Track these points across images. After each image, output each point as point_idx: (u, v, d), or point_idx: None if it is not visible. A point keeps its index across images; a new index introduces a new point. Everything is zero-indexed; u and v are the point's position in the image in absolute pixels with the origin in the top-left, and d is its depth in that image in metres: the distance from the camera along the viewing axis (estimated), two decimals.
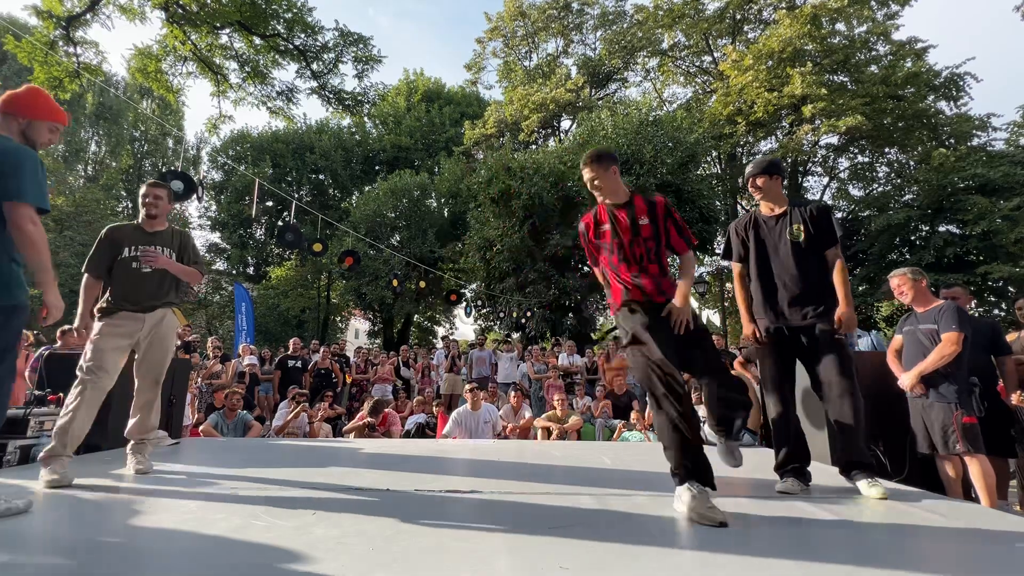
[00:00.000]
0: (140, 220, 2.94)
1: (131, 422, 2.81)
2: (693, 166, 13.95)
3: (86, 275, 2.80)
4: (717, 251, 18.45)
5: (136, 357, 2.83)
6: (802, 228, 2.49)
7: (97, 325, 2.70)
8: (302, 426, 5.75)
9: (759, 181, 2.63)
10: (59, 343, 5.63)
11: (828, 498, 2.27)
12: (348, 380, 8.70)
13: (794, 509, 2.08)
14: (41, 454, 2.37)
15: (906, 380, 3.05)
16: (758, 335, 2.62)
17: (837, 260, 2.49)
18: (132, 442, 2.80)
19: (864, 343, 5.84)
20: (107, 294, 2.79)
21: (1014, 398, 3.27)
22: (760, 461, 3.33)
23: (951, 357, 2.87)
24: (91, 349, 2.64)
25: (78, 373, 2.59)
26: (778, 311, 2.53)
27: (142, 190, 2.96)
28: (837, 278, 2.46)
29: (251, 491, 2.28)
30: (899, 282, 3.18)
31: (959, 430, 2.83)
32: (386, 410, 5.88)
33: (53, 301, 2.01)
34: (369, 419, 5.51)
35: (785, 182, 2.75)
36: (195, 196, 6.37)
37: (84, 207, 20.34)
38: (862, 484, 2.31)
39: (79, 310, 2.72)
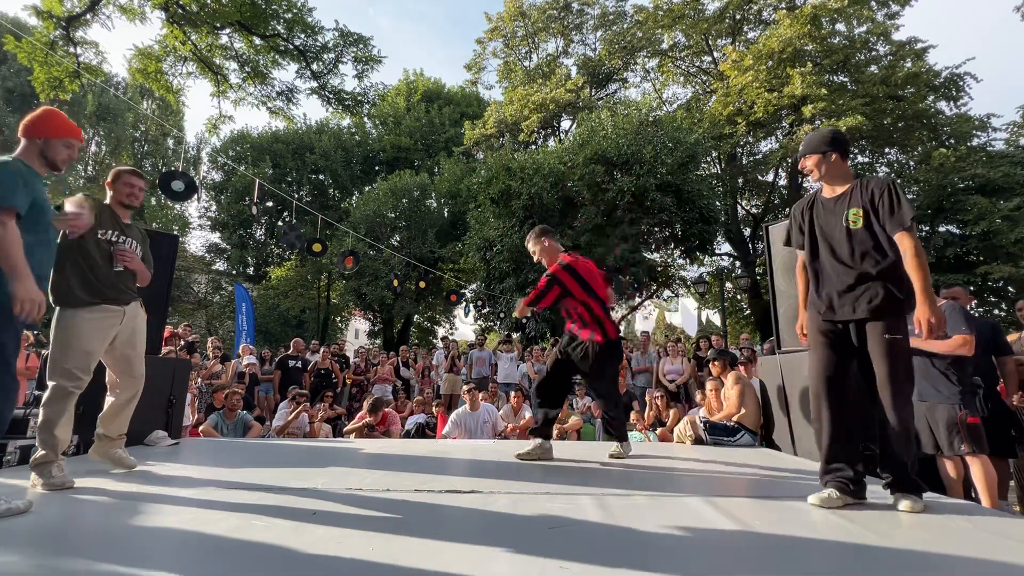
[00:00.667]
0: (110, 203, 2.73)
1: (116, 420, 2.72)
2: (693, 166, 13.94)
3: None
4: (717, 251, 18.47)
5: (114, 353, 2.68)
6: (860, 213, 2.15)
7: (74, 319, 2.46)
8: (302, 426, 5.75)
9: (808, 163, 2.30)
10: None
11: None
12: (348, 381, 8.71)
13: (793, 509, 2.08)
14: (32, 460, 2.29)
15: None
16: (803, 329, 2.43)
17: (907, 248, 2.06)
18: (108, 440, 2.71)
19: None
20: (75, 279, 2.50)
21: (1015, 399, 3.26)
22: (760, 462, 3.34)
23: (958, 352, 2.87)
24: (75, 350, 2.43)
25: (59, 379, 2.40)
26: (828, 303, 2.24)
27: (124, 176, 2.74)
28: (911, 268, 2.04)
29: (251, 491, 2.28)
30: None
31: (963, 430, 2.83)
32: (386, 410, 5.89)
33: (20, 294, 1.85)
34: (369, 419, 5.51)
35: (845, 157, 2.29)
36: (195, 196, 6.38)
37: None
38: (897, 500, 2.10)
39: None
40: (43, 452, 2.29)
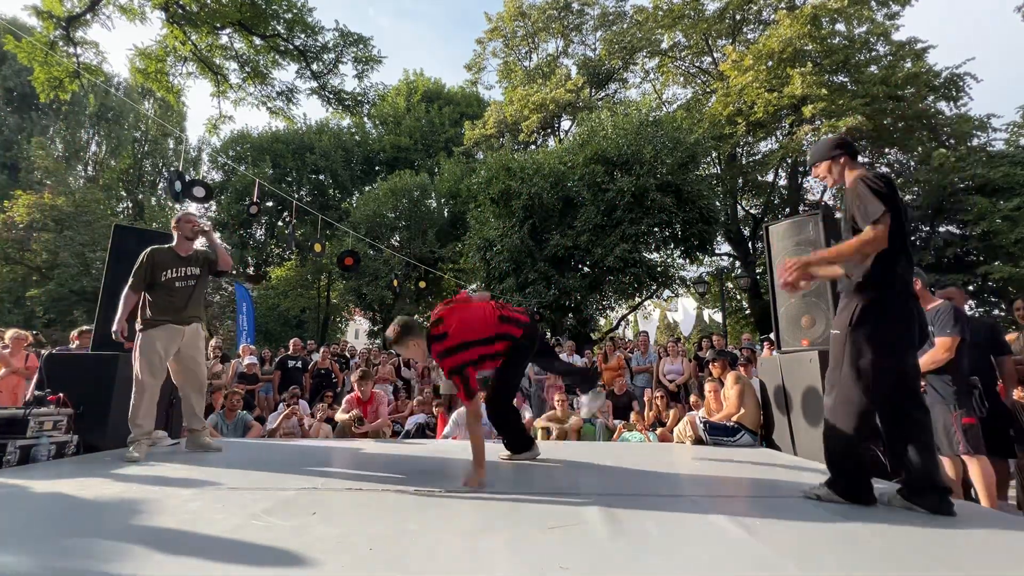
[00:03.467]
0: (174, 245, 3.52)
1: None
2: (693, 166, 13.93)
3: None
4: (717, 251, 18.46)
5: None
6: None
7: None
8: (294, 427, 5.73)
9: (819, 171, 2.39)
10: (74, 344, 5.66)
11: (827, 498, 2.27)
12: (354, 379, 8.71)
13: (794, 509, 2.09)
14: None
15: None
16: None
17: (862, 233, 2.06)
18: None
19: None
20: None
21: (1016, 393, 3.26)
22: (760, 462, 3.34)
23: (942, 363, 2.86)
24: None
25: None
26: None
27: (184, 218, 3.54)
28: (846, 243, 2.09)
29: (251, 491, 2.28)
30: None
31: (959, 431, 2.83)
32: (374, 390, 5.78)
33: None
34: (355, 410, 5.42)
35: (854, 158, 2.36)
36: (187, 199, 6.41)
37: (84, 207, 20.30)
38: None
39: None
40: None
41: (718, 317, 19.34)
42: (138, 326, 3.33)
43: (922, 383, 2.98)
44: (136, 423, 3.22)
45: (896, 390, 2.08)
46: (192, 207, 24.77)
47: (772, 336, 4.35)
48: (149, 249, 3.44)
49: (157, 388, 3.31)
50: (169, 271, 3.40)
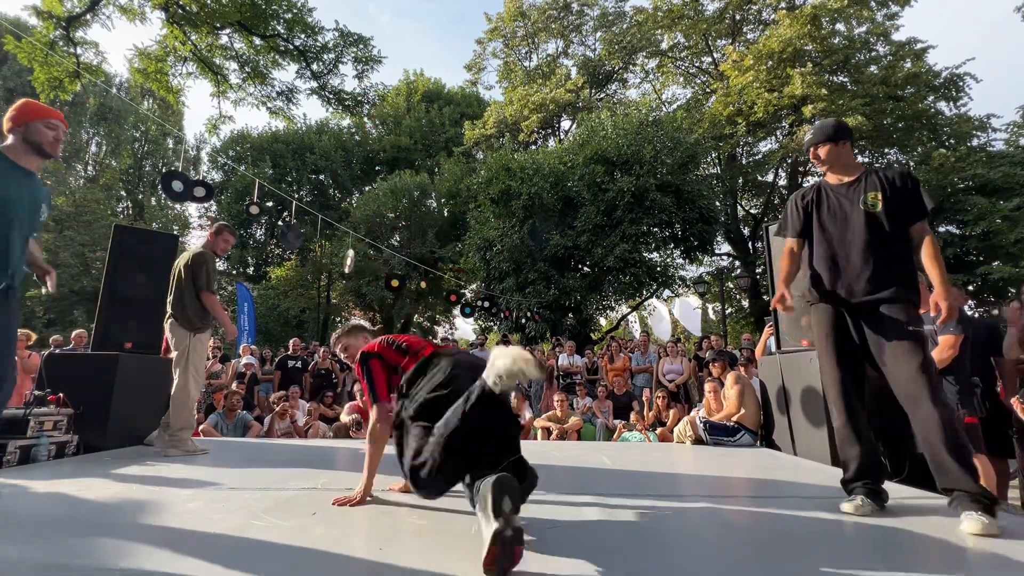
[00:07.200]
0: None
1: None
2: (693, 166, 13.94)
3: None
4: (717, 251, 18.46)
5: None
6: (879, 196, 2.10)
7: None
8: (288, 428, 5.72)
9: (821, 151, 2.25)
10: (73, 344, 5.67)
11: (828, 498, 2.27)
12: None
13: (794, 509, 2.09)
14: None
15: None
16: (786, 302, 2.26)
17: (926, 237, 2.08)
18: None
19: None
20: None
21: (1015, 403, 3.25)
22: (760, 462, 3.34)
23: (948, 361, 2.86)
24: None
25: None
26: (842, 289, 2.14)
27: (224, 233, 3.80)
28: (928, 258, 2.06)
29: (251, 491, 2.28)
30: None
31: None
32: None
33: None
34: (356, 415, 5.44)
35: (853, 145, 2.32)
36: (192, 198, 6.39)
37: (84, 207, 20.32)
38: (964, 517, 1.78)
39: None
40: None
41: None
42: (187, 329, 3.50)
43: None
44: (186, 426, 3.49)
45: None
46: (192, 208, 24.68)
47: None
48: (207, 254, 3.62)
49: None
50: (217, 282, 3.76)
